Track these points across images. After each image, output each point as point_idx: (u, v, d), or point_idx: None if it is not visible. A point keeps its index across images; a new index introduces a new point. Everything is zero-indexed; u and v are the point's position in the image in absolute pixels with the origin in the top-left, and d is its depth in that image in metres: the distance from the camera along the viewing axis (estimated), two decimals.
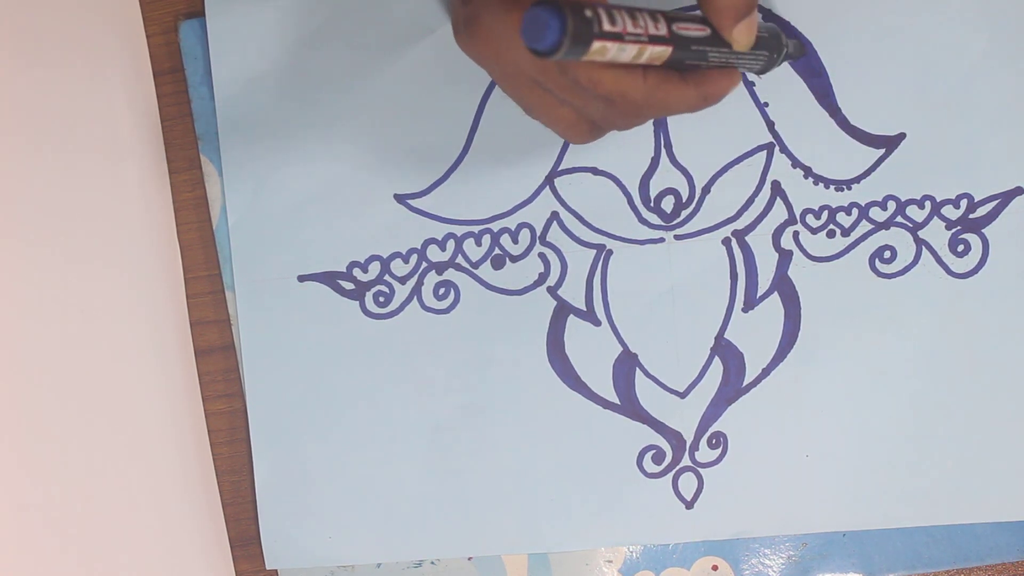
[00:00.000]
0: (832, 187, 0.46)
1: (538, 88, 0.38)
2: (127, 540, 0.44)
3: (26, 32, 0.41)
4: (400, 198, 0.48)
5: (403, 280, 0.49)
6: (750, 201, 0.47)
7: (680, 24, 0.36)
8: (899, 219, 0.46)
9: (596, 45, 0.32)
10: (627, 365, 0.48)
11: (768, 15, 0.46)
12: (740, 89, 0.46)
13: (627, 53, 0.34)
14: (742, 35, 0.38)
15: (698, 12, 0.37)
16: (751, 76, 0.46)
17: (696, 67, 0.38)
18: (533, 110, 0.40)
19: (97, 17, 0.46)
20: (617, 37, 0.33)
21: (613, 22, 0.32)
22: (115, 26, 0.47)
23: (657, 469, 0.48)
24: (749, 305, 0.47)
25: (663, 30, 0.35)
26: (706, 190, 0.47)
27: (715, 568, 0.48)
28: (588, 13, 0.31)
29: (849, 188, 0.46)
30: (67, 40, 0.44)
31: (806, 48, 0.46)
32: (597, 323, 0.48)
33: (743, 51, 0.39)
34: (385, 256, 0.48)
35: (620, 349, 0.48)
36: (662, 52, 0.35)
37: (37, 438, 0.40)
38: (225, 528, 0.51)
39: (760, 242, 0.47)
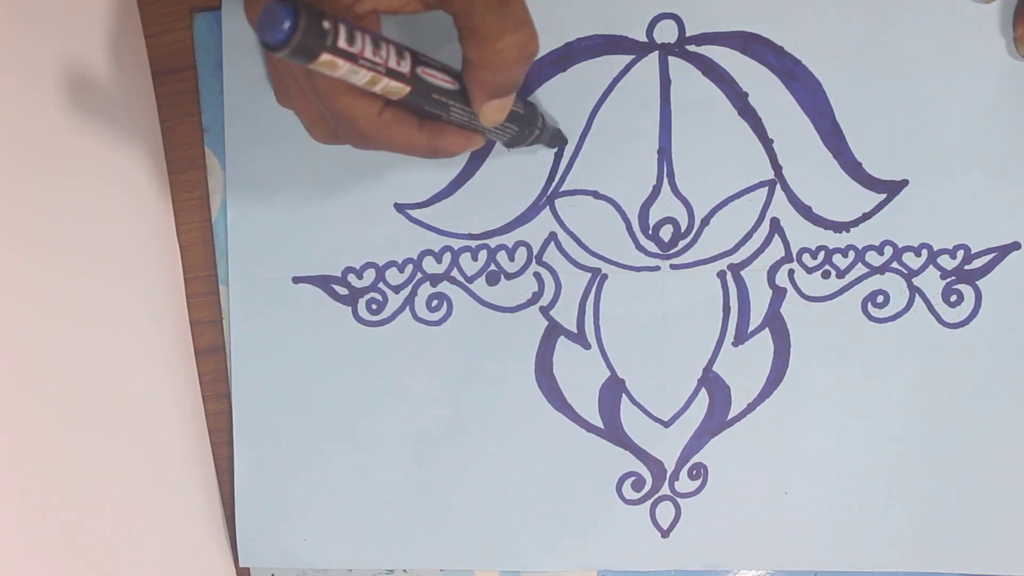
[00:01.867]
0: (830, 228, 0.47)
1: (291, 76, 0.37)
2: (127, 540, 0.44)
3: (25, 33, 0.41)
4: (400, 207, 0.48)
5: (397, 289, 0.49)
6: (748, 236, 0.47)
7: (428, 70, 0.36)
8: (895, 265, 0.47)
9: (325, 57, 0.31)
10: (613, 390, 0.48)
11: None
12: (746, 125, 0.46)
13: (360, 77, 0.33)
14: (492, 112, 0.37)
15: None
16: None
17: (437, 116, 0.38)
18: (287, 94, 0.39)
19: (96, 18, 0.46)
20: (351, 57, 0.32)
21: (351, 42, 0.32)
22: (114, 27, 0.47)
23: (636, 496, 0.48)
24: (739, 339, 0.47)
25: (405, 68, 0.35)
26: (705, 222, 0.47)
27: None
28: (326, 24, 0.31)
29: (847, 230, 0.47)
30: (67, 40, 0.44)
31: (566, 139, 0.47)
32: (587, 346, 0.48)
33: (488, 126, 0.39)
34: (381, 264, 0.49)
35: (608, 374, 0.48)
36: (399, 88, 0.35)
37: (37, 438, 0.40)
38: (225, 528, 0.51)
39: (755, 277, 0.47)
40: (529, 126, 0.42)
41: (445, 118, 0.38)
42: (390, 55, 0.34)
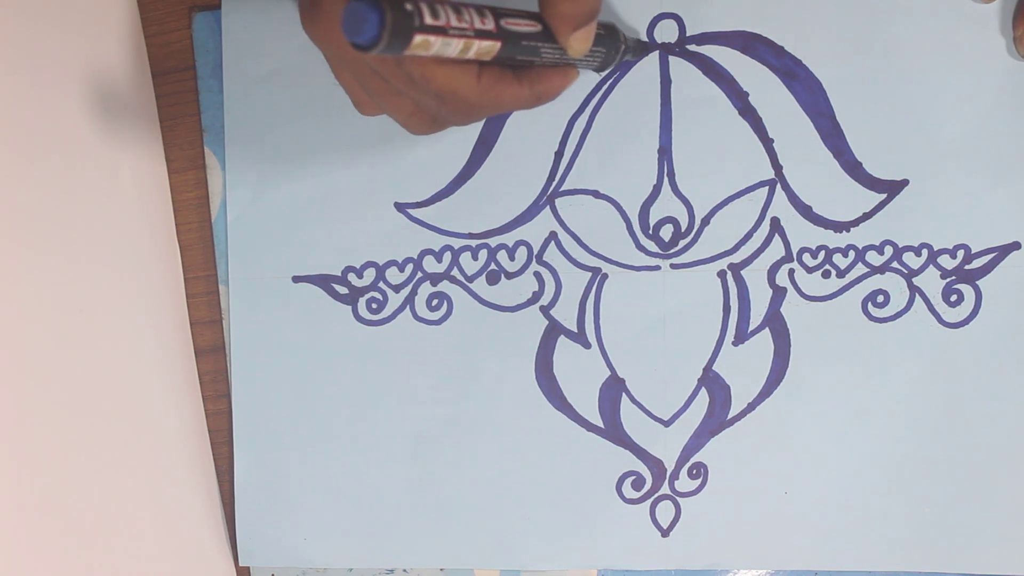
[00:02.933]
0: (831, 228, 0.47)
1: (377, 77, 0.37)
2: (127, 539, 0.44)
3: (24, 35, 0.41)
4: (400, 207, 0.48)
5: (397, 288, 0.49)
6: (748, 236, 0.47)
7: (509, 20, 0.35)
8: (895, 264, 0.47)
9: (418, 39, 0.31)
10: (614, 390, 0.48)
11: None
12: (747, 124, 0.46)
13: (453, 48, 0.33)
14: (579, 42, 0.37)
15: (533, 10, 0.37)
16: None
17: (530, 63, 0.37)
18: (375, 97, 0.39)
19: (96, 18, 0.46)
20: (440, 31, 0.32)
21: (436, 16, 0.32)
22: (114, 27, 0.47)
23: (636, 495, 0.48)
24: (740, 339, 0.47)
25: (490, 25, 0.34)
26: (705, 221, 0.47)
27: None
28: (408, 7, 0.31)
29: (848, 230, 0.47)
30: (66, 40, 0.44)
31: (647, 44, 0.46)
32: (587, 346, 0.48)
33: (578, 56, 0.38)
34: (381, 263, 0.49)
35: (608, 373, 0.48)
36: (491, 47, 0.35)
37: (37, 438, 0.40)
38: (225, 527, 0.51)
39: (755, 277, 0.47)
40: (615, 44, 0.42)
41: (538, 63, 0.38)
42: (473, 17, 0.34)
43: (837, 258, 0.47)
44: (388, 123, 0.47)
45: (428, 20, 0.31)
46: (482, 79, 0.36)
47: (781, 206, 0.47)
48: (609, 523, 0.48)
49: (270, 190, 0.49)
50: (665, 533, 0.48)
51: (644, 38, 0.46)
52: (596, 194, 0.47)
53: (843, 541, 0.47)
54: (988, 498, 0.47)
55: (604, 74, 0.46)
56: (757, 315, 0.47)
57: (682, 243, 0.47)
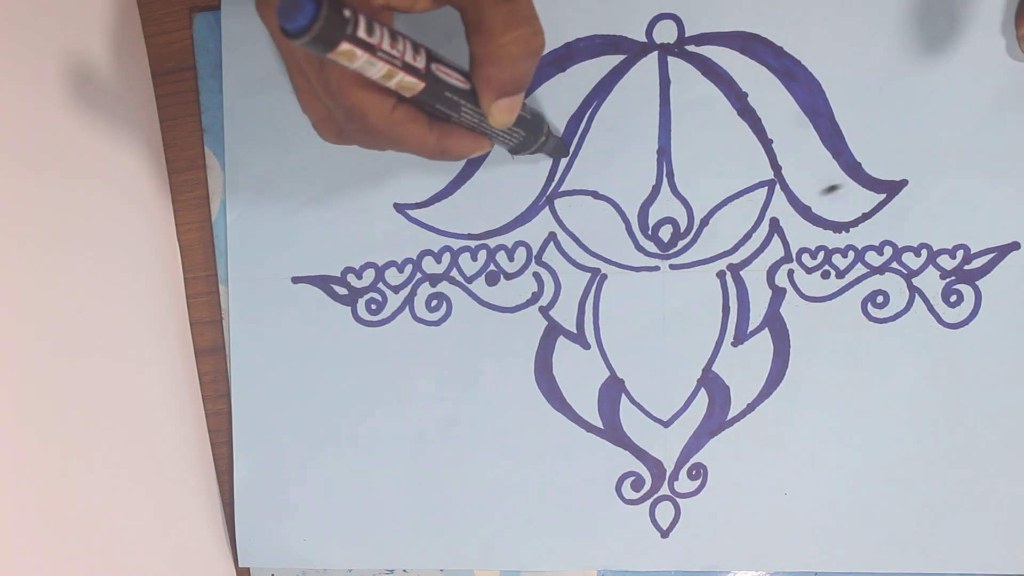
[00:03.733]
0: (830, 228, 0.47)
1: (302, 74, 0.37)
2: (127, 539, 0.44)
3: (24, 33, 0.41)
4: (400, 207, 0.48)
5: (396, 289, 0.49)
6: (747, 236, 0.47)
7: (441, 67, 0.35)
8: (894, 265, 0.46)
9: (344, 47, 0.31)
10: (613, 390, 0.48)
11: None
12: (746, 125, 0.46)
13: (376, 70, 0.33)
14: (500, 112, 0.37)
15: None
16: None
17: (447, 117, 0.37)
18: (295, 92, 0.39)
19: (96, 17, 0.46)
20: (369, 48, 0.32)
21: (370, 32, 0.32)
22: (114, 27, 0.47)
23: (635, 496, 0.48)
24: (739, 340, 0.47)
25: (421, 64, 0.34)
26: (704, 222, 0.47)
27: None
28: (347, 13, 0.31)
29: (847, 231, 0.46)
30: (66, 40, 0.44)
31: (568, 150, 0.47)
32: (586, 346, 0.48)
33: (498, 128, 0.38)
34: (380, 264, 0.49)
35: (607, 374, 0.48)
36: (414, 84, 0.35)
37: (37, 438, 0.40)
38: (225, 528, 0.51)
39: (754, 278, 0.47)
40: (535, 133, 0.42)
41: (455, 119, 0.38)
42: (406, 49, 0.34)
43: (836, 258, 0.47)
44: None
45: (360, 33, 0.31)
46: (395, 112, 0.36)
47: (780, 206, 0.47)
48: (609, 524, 0.48)
49: (270, 191, 0.49)
50: (665, 534, 0.48)
51: (645, 38, 0.46)
52: (595, 195, 0.47)
53: (842, 542, 0.47)
54: (988, 498, 0.47)
55: (599, 79, 0.46)
56: (756, 316, 0.47)
57: (681, 244, 0.47)
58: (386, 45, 0.33)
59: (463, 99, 0.37)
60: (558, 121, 0.47)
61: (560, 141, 0.46)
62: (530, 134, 0.42)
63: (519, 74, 0.36)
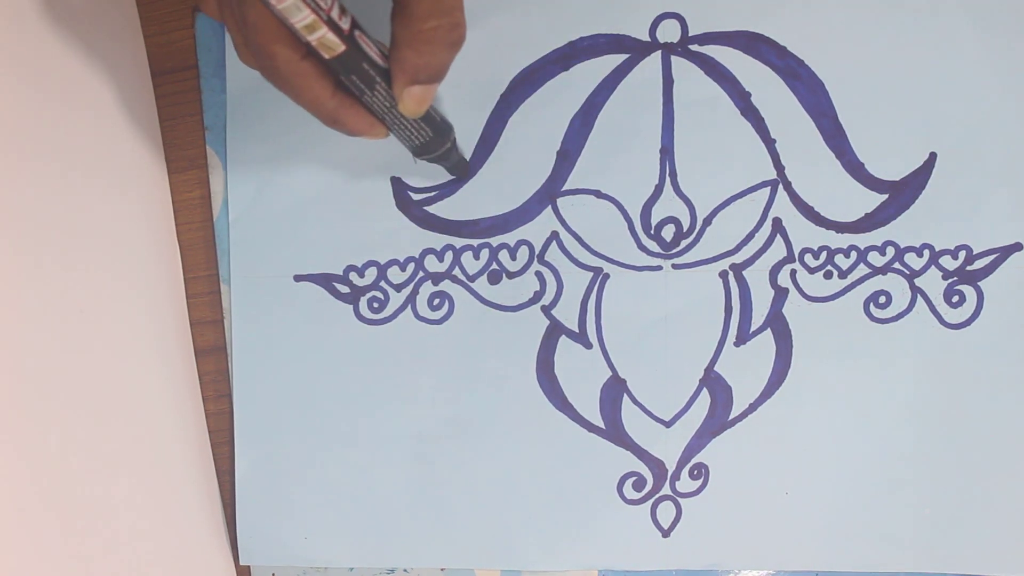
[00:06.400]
0: (832, 229, 0.47)
1: (228, 2, 0.37)
2: (127, 539, 0.44)
3: (23, 36, 0.41)
4: (402, 206, 0.48)
5: (398, 288, 0.49)
6: (750, 236, 0.47)
7: (364, 37, 0.35)
8: (897, 265, 0.47)
9: None
10: (615, 390, 0.48)
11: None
12: (749, 125, 0.46)
13: (302, 16, 0.33)
14: (411, 98, 0.37)
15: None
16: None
17: (358, 94, 0.37)
18: (223, 11, 0.38)
19: (95, 18, 0.46)
20: None
21: None
22: (113, 27, 0.47)
23: (637, 496, 0.48)
24: (741, 340, 0.47)
25: (345, 25, 0.34)
26: (707, 222, 0.47)
27: None
28: None
29: (850, 231, 0.47)
30: (66, 42, 0.44)
31: (467, 171, 0.47)
32: (588, 346, 0.48)
33: (406, 116, 0.38)
34: (382, 263, 0.48)
35: (609, 374, 0.48)
36: (334, 44, 0.34)
37: (37, 438, 0.40)
38: (225, 527, 0.51)
39: (757, 278, 0.47)
40: (442, 138, 0.42)
41: (367, 99, 0.37)
42: (334, 6, 0.34)
43: (839, 259, 0.47)
44: None
45: None
46: (303, 63, 0.36)
47: (783, 207, 0.47)
48: (610, 523, 0.48)
49: (272, 189, 0.49)
50: (666, 534, 0.48)
51: (648, 37, 0.46)
52: (598, 194, 0.47)
53: (844, 542, 0.47)
54: (989, 499, 0.47)
55: (599, 80, 0.45)
56: (759, 316, 0.47)
57: (684, 243, 0.47)
58: None
59: (379, 76, 0.36)
60: (561, 120, 0.47)
61: (464, 160, 0.46)
62: (437, 137, 0.42)
63: (435, 62, 0.36)
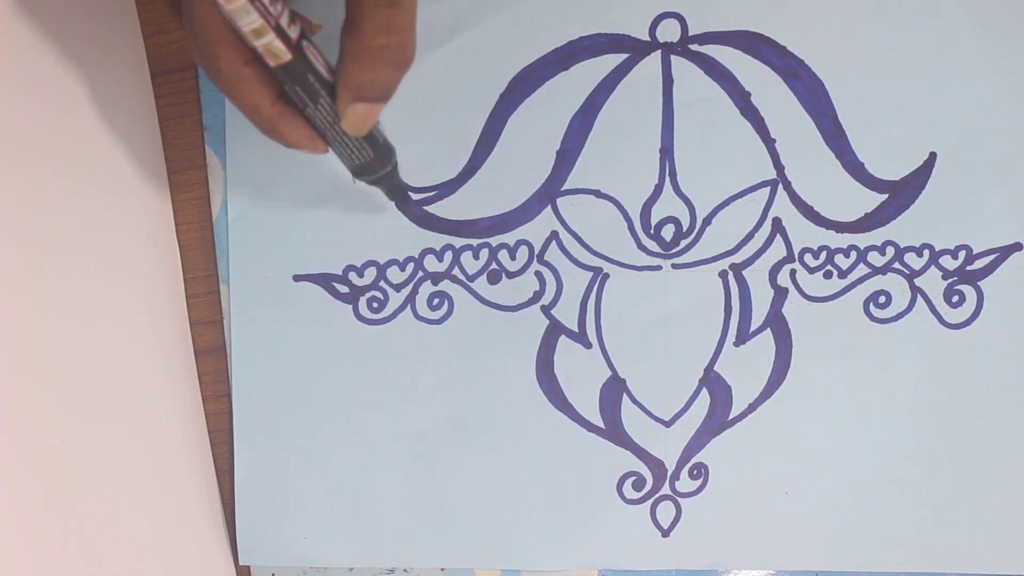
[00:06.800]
0: (832, 228, 0.47)
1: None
2: (127, 539, 0.44)
3: (22, 36, 0.41)
4: (401, 206, 0.48)
5: (398, 288, 0.49)
6: (750, 236, 0.47)
7: (313, 48, 0.35)
8: (896, 265, 0.46)
9: None
10: (615, 390, 0.48)
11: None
12: (748, 124, 0.46)
13: (250, 20, 0.32)
14: (355, 115, 0.36)
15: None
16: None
17: (301, 106, 0.36)
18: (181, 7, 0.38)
19: (94, 18, 0.46)
20: None
21: None
22: (112, 27, 0.47)
23: (636, 496, 0.48)
24: (741, 339, 0.47)
25: (294, 34, 0.34)
26: (707, 221, 0.47)
27: None
28: None
29: (850, 231, 0.46)
30: (65, 42, 0.44)
31: (409, 199, 0.47)
32: (588, 346, 0.48)
33: (348, 133, 0.37)
34: (382, 262, 0.48)
35: (609, 373, 0.48)
36: (281, 52, 0.34)
37: (37, 438, 0.40)
38: (225, 527, 0.51)
39: (757, 277, 0.47)
40: (383, 160, 0.41)
41: (310, 112, 0.37)
42: (284, 14, 0.33)
43: (839, 259, 0.47)
44: (390, 123, 0.47)
45: None
46: (246, 68, 0.35)
47: (783, 206, 0.47)
48: (610, 523, 0.48)
49: (271, 189, 0.49)
50: (666, 533, 0.48)
51: (648, 37, 0.46)
52: (598, 193, 0.47)
53: (844, 542, 0.47)
54: (989, 499, 0.47)
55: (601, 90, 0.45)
56: (759, 316, 0.47)
57: (683, 243, 0.47)
58: (267, 0, 0.32)
59: (324, 89, 0.36)
60: (561, 119, 0.47)
61: (403, 185, 0.46)
62: (377, 158, 0.41)
63: (380, 81, 0.36)
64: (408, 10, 0.34)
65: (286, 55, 0.34)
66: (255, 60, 0.35)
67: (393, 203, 0.48)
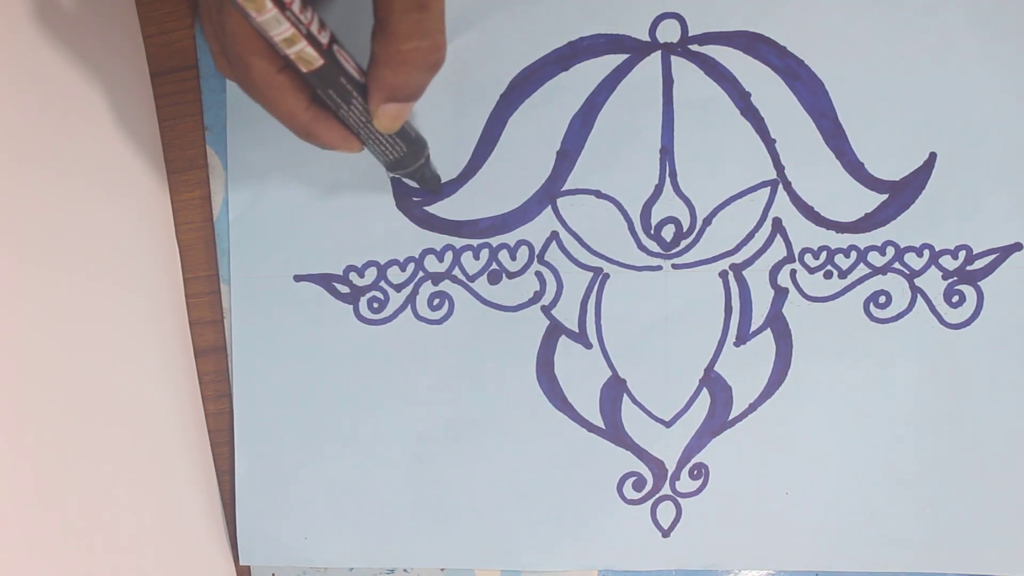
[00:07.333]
0: (832, 229, 0.47)
1: (207, 8, 0.37)
2: (127, 539, 0.44)
3: (22, 36, 0.41)
4: (402, 206, 0.48)
5: (398, 288, 0.49)
6: (750, 236, 0.47)
7: (342, 52, 0.35)
8: (896, 265, 0.47)
9: None
10: (615, 390, 0.48)
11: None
12: (748, 125, 0.46)
13: (282, 30, 0.33)
14: (386, 116, 0.37)
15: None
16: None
17: (334, 109, 0.37)
18: (201, 21, 0.38)
19: (93, 18, 0.46)
20: (280, 4, 0.32)
21: None
22: (112, 27, 0.47)
23: (637, 496, 0.48)
24: (741, 340, 0.47)
25: (324, 40, 0.34)
26: (707, 222, 0.47)
27: None
28: None
29: (850, 231, 0.47)
30: (65, 42, 0.44)
31: (440, 188, 0.47)
32: (588, 346, 0.48)
33: (381, 131, 0.38)
34: (382, 263, 0.48)
35: (609, 374, 0.48)
36: (312, 58, 0.34)
37: (37, 438, 0.40)
38: (225, 527, 0.51)
39: (757, 278, 0.47)
40: (416, 153, 0.42)
41: (343, 113, 0.37)
42: (314, 21, 0.34)
43: (839, 259, 0.47)
44: None
45: None
46: (279, 76, 0.36)
47: (783, 206, 0.47)
48: (610, 524, 0.48)
49: (272, 189, 0.49)
50: (666, 534, 0.48)
51: (648, 37, 0.46)
52: (598, 194, 0.47)
53: (844, 542, 0.47)
54: (989, 499, 0.47)
55: (607, 91, 0.46)
56: (759, 316, 0.47)
57: (684, 243, 0.47)
58: (296, 7, 0.32)
59: (356, 92, 0.36)
60: (561, 120, 0.47)
61: (436, 176, 0.46)
62: (411, 152, 0.42)
63: (412, 83, 0.36)
64: (437, 12, 0.35)
65: (318, 61, 0.35)
66: (287, 67, 0.36)
67: (394, 203, 0.48)
